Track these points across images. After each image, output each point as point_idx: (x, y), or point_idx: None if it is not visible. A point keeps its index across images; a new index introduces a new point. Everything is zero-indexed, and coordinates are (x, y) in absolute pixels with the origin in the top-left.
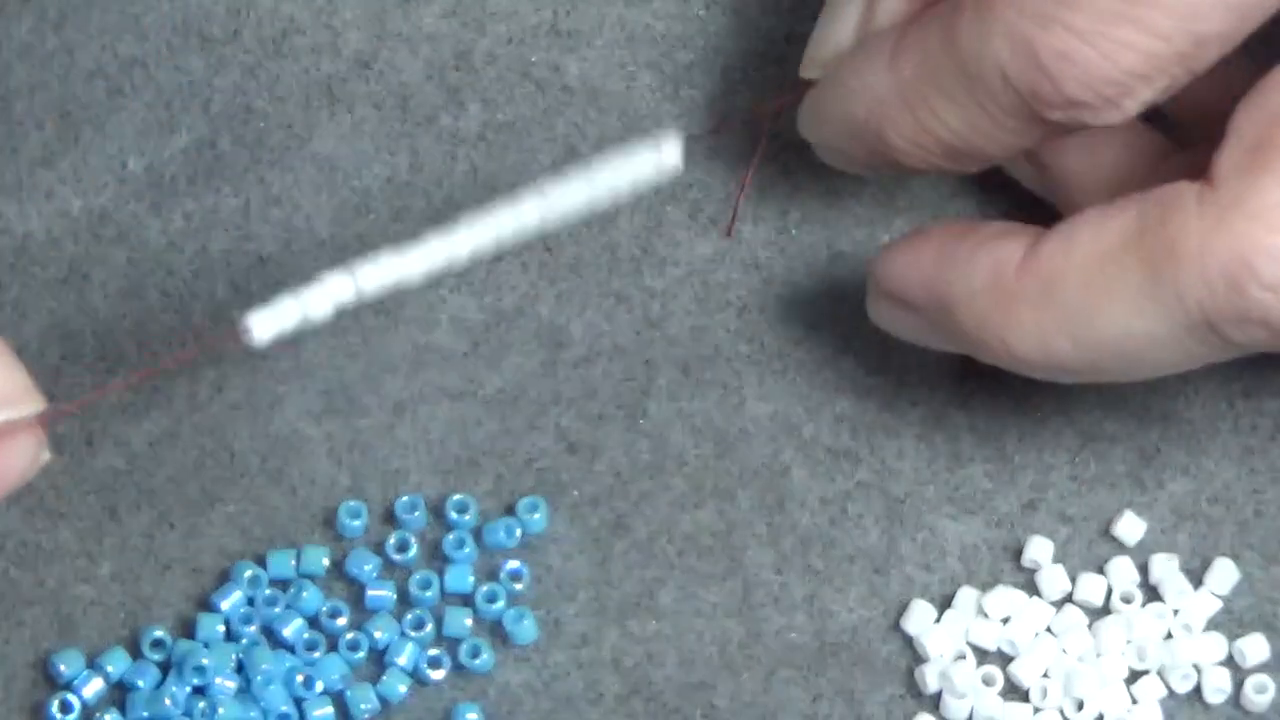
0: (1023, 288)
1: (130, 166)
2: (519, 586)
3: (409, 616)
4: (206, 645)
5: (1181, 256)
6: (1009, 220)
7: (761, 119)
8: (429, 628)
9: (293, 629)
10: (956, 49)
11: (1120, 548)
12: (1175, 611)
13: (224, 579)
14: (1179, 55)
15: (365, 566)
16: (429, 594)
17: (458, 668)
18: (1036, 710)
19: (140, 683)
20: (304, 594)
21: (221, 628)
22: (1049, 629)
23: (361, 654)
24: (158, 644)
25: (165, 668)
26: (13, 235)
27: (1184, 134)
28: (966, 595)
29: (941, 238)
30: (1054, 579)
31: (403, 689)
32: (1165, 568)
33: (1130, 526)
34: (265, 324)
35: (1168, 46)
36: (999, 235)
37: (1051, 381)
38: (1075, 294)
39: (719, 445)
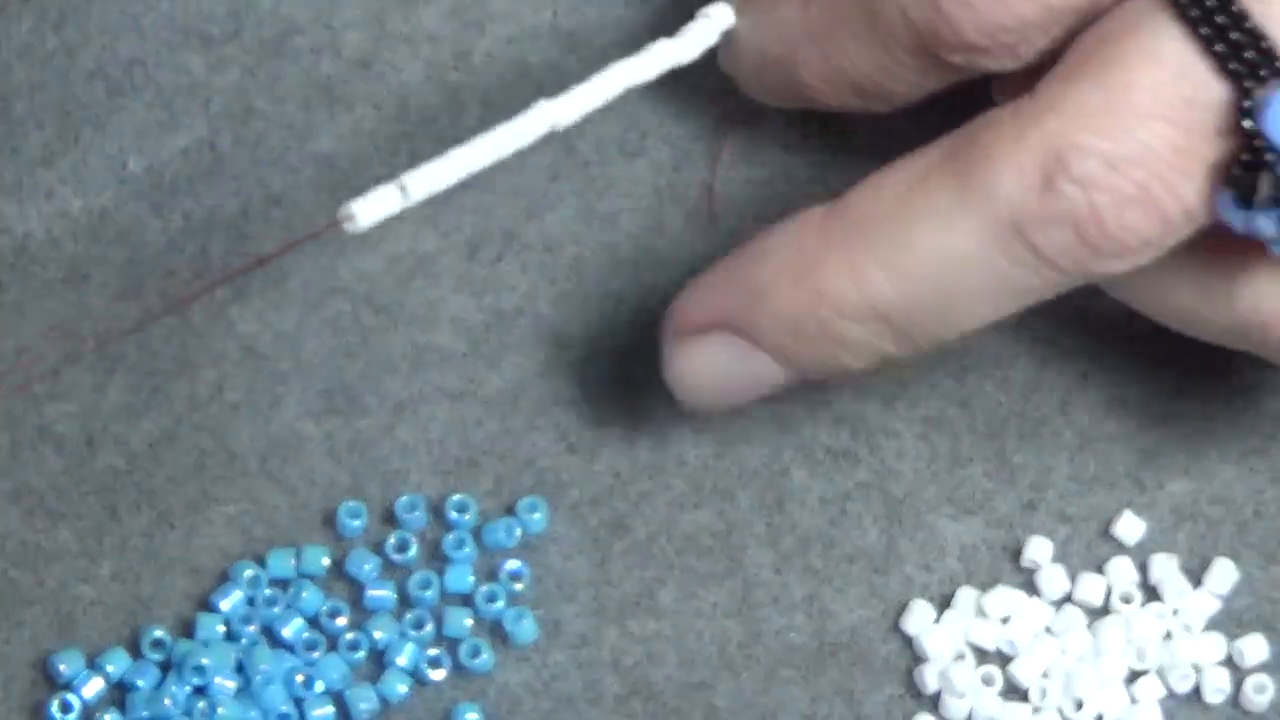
0: (829, 233)
1: (130, 166)
2: (519, 586)
3: (409, 616)
4: (206, 645)
5: (993, 157)
6: None
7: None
8: (429, 628)
9: (293, 629)
10: None
11: (1120, 548)
12: (1175, 611)
13: (224, 579)
14: (1074, 9)
15: (365, 566)
16: (429, 594)
17: (458, 668)
18: (1036, 710)
19: (140, 683)
20: (304, 594)
21: (221, 628)
22: (1048, 629)
23: (361, 654)
24: (158, 644)
25: (165, 668)
26: (13, 235)
27: None
28: (966, 595)
29: (738, 249)
30: (1054, 579)
31: (403, 689)
32: (1165, 568)
33: (1130, 526)
34: (368, 210)
35: None
36: (797, 213)
37: (890, 358)
38: (885, 222)
39: (719, 445)
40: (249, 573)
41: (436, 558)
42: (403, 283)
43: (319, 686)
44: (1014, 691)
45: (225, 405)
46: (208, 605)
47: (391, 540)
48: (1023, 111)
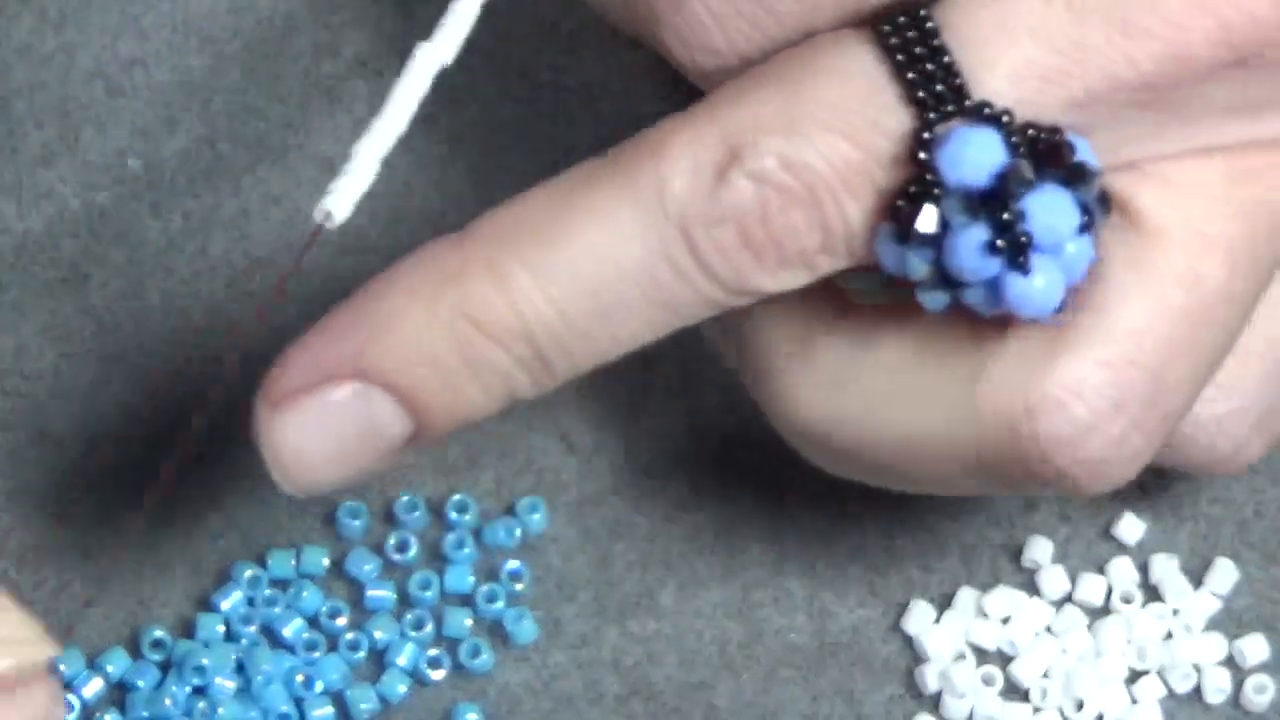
0: (472, 245)
1: (130, 166)
2: (519, 586)
3: (409, 616)
4: (206, 645)
5: (665, 151)
6: None
7: None
8: (429, 628)
9: (293, 629)
10: None
11: (1120, 548)
12: (1175, 611)
13: (224, 579)
14: (786, 42)
15: (365, 566)
16: (429, 594)
17: (458, 668)
18: (1036, 710)
19: (140, 683)
20: (304, 594)
21: (221, 628)
22: (1049, 629)
23: (361, 654)
24: (158, 644)
25: (165, 668)
26: (13, 235)
27: None
28: (966, 595)
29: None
30: (1054, 579)
31: (403, 689)
32: (1165, 568)
33: (1130, 526)
34: (340, 203)
35: (780, 31)
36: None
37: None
38: (540, 226)
39: (719, 445)
40: (249, 573)
41: (436, 558)
42: None
43: (319, 686)
44: (1014, 691)
45: (225, 405)
46: (208, 605)
47: (391, 540)
48: (700, 110)
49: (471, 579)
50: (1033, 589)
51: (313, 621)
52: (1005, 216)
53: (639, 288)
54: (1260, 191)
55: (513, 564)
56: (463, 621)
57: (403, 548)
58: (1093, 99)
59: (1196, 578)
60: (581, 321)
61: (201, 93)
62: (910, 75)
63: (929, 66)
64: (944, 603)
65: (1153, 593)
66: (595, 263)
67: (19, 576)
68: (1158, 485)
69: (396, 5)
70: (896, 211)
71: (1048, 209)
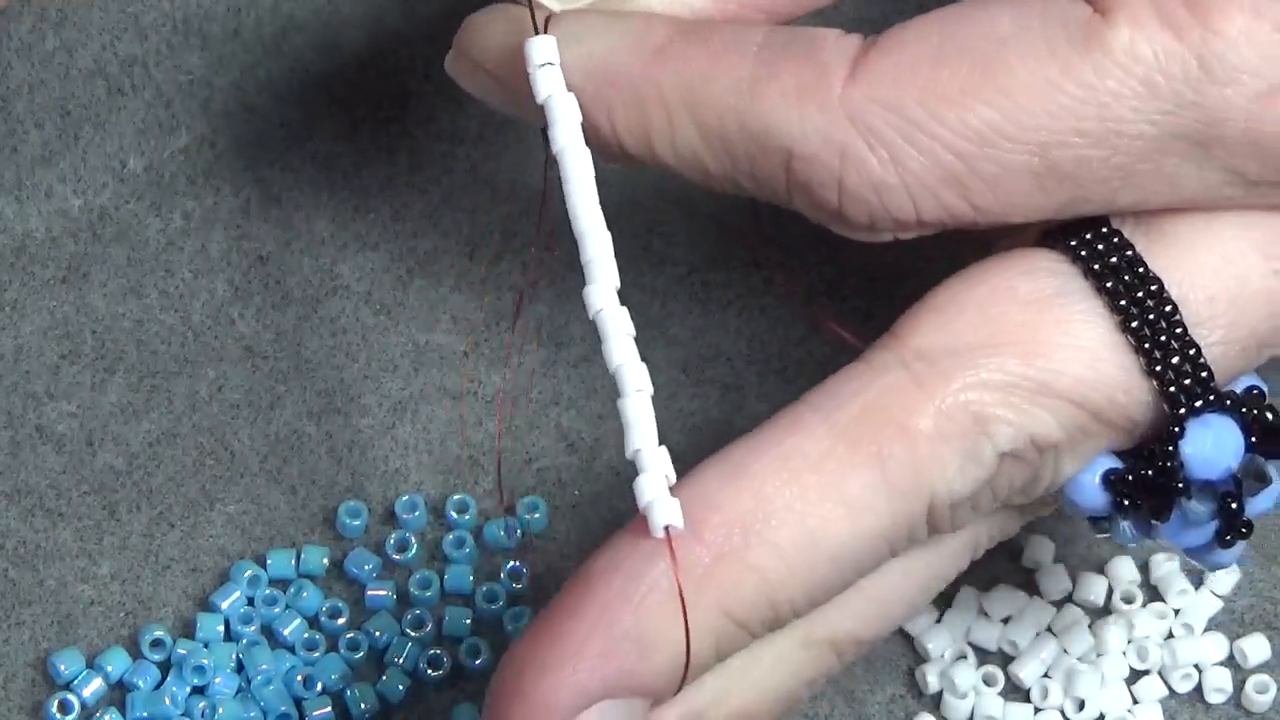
0: (718, 538)
1: (130, 166)
2: (519, 586)
3: (409, 616)
4: (206, 645)
5: (915, 436)
6: None
7: None
8: (429, 628)
9: (292, 629)
10: None
11: (1120, 548)
12: (1176, 611)
13: (224, 579)
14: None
15: (365, 566)
16: (429, 594)
17: (458, 668)
18: (1037, 710)
19: (140, 683)
20: (304, 594)
21: (221, 627)
22: (1049, 629)
23: (361, 654)
24: (158, 644)
25: (165, 668)
26: (13, 235)
27: None
28: (966, 595)
29: (575, 596)
30: (1054, 579)
31: (403, 689)
32: (1166, 568)
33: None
34: None
35: (976, 219)
36: (624, 536)
37: None
38: (781, 510)
39: (719, 445)
40: (249, 573)
41: (436, 558)
42: (403, 283)
43: (319, 686)
44: (1015, 691)
45: (225, 405)
46: (208, 605)
47: (391, 540)
48: (930, 373)
49: (471, 579)
50: (1033, 589)
51: (312, 621)
52: (1234, 506)
53: (874, 553)
54: None
55: (513, 564)
56: (463, 621)
57: (403, 548)
58: None
59: (1197, 578)
60: (822, 589)
61: (201, 92)
62: (1151, 350)
63: (1171, 344)
64: (944, 603)
65: (1153, 592)
66: (840, 542)
67: (19, 576)
68: None
69: (396, 5)
70: (1132, 496)
71: (1267, 497)
